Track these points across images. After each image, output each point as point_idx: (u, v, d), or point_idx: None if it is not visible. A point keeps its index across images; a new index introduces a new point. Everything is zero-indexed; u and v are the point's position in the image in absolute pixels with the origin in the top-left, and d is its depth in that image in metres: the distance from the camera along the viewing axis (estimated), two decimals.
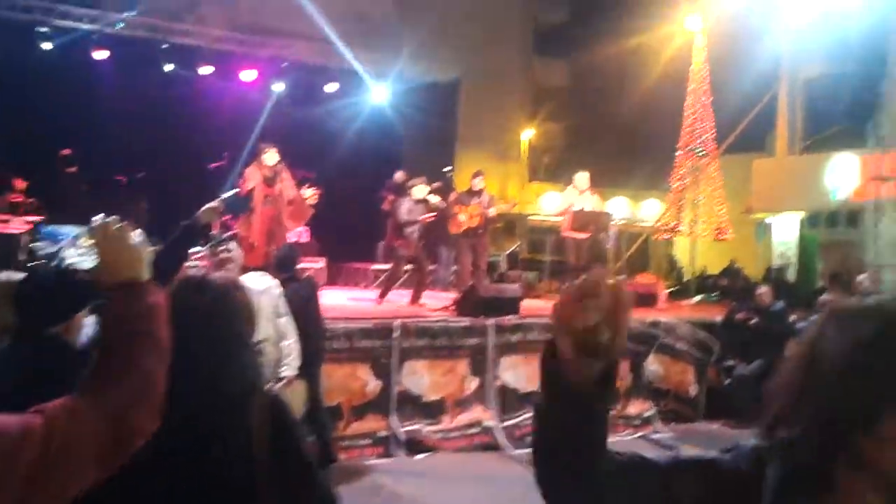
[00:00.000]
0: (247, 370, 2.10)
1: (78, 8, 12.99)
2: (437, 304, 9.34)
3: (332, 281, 13.08)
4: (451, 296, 9.75)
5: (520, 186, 21.59)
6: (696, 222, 14.77)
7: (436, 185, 10.15)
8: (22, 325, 2.68)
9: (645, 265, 18.26)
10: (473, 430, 7.71)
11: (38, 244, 5.78)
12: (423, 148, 15.35)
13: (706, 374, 9.16)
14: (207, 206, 3.79)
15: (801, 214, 16.00)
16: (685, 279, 15.96)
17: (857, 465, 1.12)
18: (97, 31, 13.09)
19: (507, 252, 14.82)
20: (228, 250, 4.93)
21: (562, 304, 1.12)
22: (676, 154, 15.48)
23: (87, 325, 2.91)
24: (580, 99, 24.04)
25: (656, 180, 19.32)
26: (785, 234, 16.27)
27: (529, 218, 18.69)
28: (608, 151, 19.78)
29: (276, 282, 5.43)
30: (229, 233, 7.52)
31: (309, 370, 5.66)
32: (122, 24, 13.48)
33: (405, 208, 9.51)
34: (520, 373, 8.08)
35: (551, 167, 24.05)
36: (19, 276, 3.02)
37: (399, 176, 13.14)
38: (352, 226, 13.80)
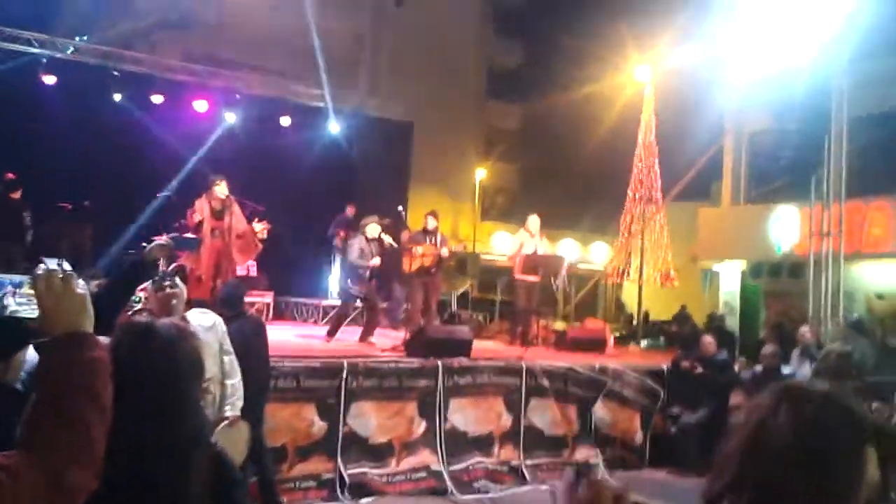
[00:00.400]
0: (193, 424, 2.01)
1: (27, 31, 12.75)
2: (386, 342, 9.24)
3: (279, 315, 12.89)
4: (401, 334, 9.66)
5: (472, 225, 21.71)
6: (644, 267, 15.00)
7: (386, 221, 10.10)
8: None
9: (594, 308, 18.46)
10: (420, 475, 7.57)
11: None
12: (376, 184, 15.33)
13: (652, 422, 9.19)
14: (156, 242, 3.65)
15: (745, 264, 16.38)
16: (633, 324, 16.15)
17: None
18: (47, 56, 12.85)
19: (459, 292, 14.79)
20: (173, 286, 4.78)
21: None
22: (625, 200, 15.76)
23: (28, 362, 2.78)
24: (532, 142, 24.41)
25: (605, 224, 19.66)
26: (730, 283, 16.63)
27: (481, 257, 18.75)
28: (559, 194, 20.07)
29: (220, 319, 5.29)
30: (174, 264, 7.32)
31: (253, 409, 5.51)
32: (72, 49, 13.25)
33: (357, 247, 9.43)
34: (469, 416, 8.00)
35: (503, 207, 24.29)
36: None
37: (350, 211, 13.10)
38: (300, 259, 13.64)
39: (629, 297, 18.75)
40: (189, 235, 7.31)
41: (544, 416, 8.46)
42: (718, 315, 15.43)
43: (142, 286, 6.55)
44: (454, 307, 13.57)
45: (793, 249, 14.75)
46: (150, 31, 15.17)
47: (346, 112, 15.56)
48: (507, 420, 8.23)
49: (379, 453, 7.45)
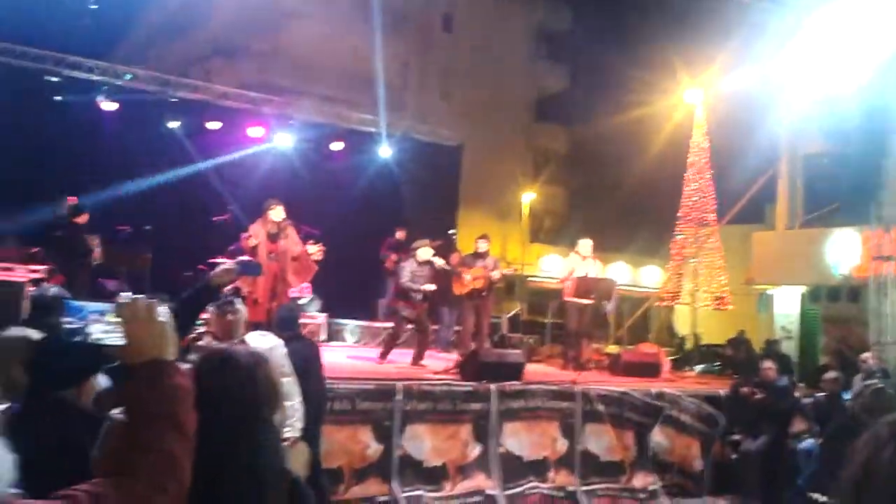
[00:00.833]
0: (271, 448, 2.03)
1: (89, 59, 13.17)
2: (437, 365, 9.21)
3: (331, 337, 12.97)
4: (451, 357, 9.63)
5: (520, 248, 21.66)
6: (697, 291, 14.76)
7: (436, 243, 10.11)
8: (34, 386, 2.64)
9: (645, 332, 18.19)
10: (476, 499, 7.50)
11: (63, 319, 5.70)
12: (425, 207, 15.43)
13: (712, 449, 8.98)
14: (222, 266, 3.70)
15: (803, 288, 16.01)
16: (686, 348, 15.85)
17: None
18: (107, 83, 13.25)
19: (509, 315, 14.72)
20: (235, 311, 4.84)
21: None
22: (677, 223, 15.55)
23: (100, 384, 2.84)
24: (580, 164, 24.36)
25: (656, 247, 19.42)
26: (787, 306, 16.26)
27: (529, 279, 18.66)
28: (608, 216, 19.96)
29: (281, 342, 5.34)
30: (232, 287, 7.42)
31: (310, 431, 5.52)
32: (130, 77, 13.65)
33: (408, 270, 9.44)
34: (523, 440, 7.92)
35: (552, 230, 24.23)
36: (32, 332, 2.96)
37: (399, 234, 13.17)
38: (352, 282, 13.73)
39: (681, 320, 18.45)
40: (249, 259, 7.41)
41: (600, 441, 8.33)
42: (775, 340, 15.09)
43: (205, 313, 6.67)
44: (505, 330, 13.48)
45: (851, 273, 14.39)
46: (205, 56, 15.54)
47: (396, 136, 15.73)
48: (562, 445, 8.12)
49: (433, 476, 7.41)
